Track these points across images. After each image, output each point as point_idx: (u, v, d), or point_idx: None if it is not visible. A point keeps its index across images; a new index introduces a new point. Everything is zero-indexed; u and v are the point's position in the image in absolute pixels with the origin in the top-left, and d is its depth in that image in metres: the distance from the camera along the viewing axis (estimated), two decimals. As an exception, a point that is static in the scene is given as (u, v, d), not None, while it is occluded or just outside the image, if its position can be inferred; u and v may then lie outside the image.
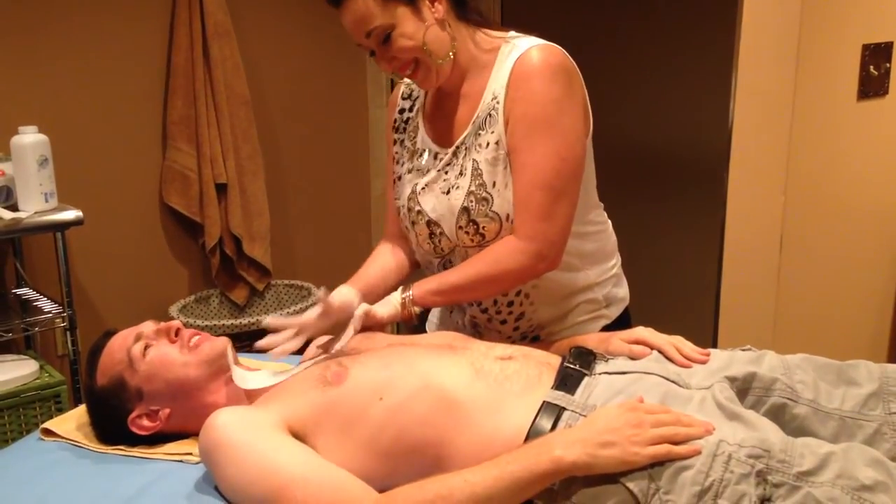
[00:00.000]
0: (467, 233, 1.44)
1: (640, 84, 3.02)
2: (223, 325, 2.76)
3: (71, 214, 2.33)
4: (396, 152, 1.60)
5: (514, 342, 1.56)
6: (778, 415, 1.22)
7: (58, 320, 2.36)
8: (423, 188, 1.50)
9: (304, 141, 3.32)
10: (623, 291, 1.63)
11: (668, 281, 3.18)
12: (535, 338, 1.57)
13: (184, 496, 1.25)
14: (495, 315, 1.54)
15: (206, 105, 2.86)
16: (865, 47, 2.52)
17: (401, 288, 1.46)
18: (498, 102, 1.40)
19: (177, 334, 1.41)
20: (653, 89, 3.18)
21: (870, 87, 2.58)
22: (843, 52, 2.51)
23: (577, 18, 3.25)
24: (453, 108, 1.49)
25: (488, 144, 1.41)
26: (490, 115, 1.41)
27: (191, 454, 1.36)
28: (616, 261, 1.63)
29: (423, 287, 1.44)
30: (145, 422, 1.39)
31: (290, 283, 3.21)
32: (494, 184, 1.41)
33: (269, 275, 3.12)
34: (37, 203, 2.30)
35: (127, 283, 2.87)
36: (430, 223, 1.49)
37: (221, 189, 2.94)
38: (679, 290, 3.01)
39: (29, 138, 2.28)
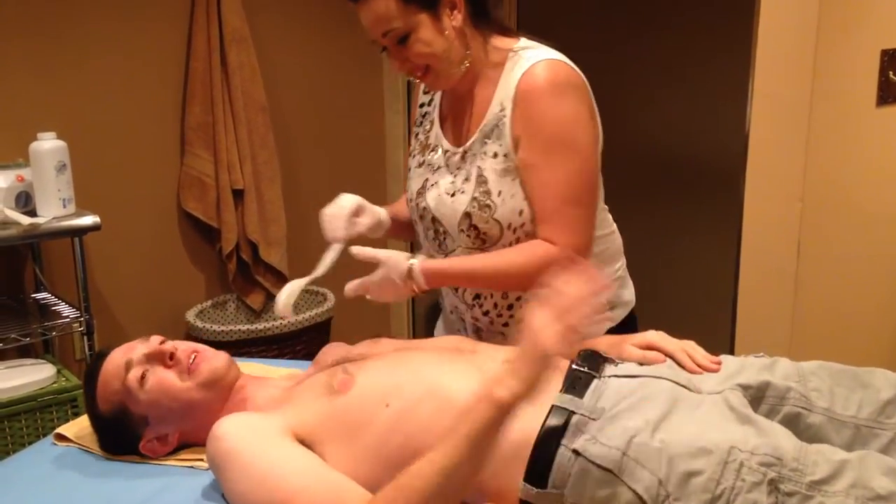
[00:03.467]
0: (468, 236, 1.47)
1: (657, 89, 3.02)
2: (239, 329, 2.76)
3: (89, 220, 2.34)
4: (412, 146, 1.64)
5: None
6: (792, 424, 1.20)
7: (75, 325, 2.38)
8: (431, 185, 1.52)
9: (320, 146, 3.32)
10: (628, 294, 1.63)
11: (684, 286, 3.16)
12: None
13: (193, 502, 1.26)
14: (496, 318, 1.55)
15: (224, 111, 2.87)
16: (884, 53, 2.49)
17: (405, 254, 1.46)
18: (505, 115, 1.42)
19: (171, 358, 1.38)
20: (669, 94, 3.17)
21: (889, 93, 2.54)
22: (862, 57, 2.48)
23: (594, 24, 3.25)
24: (465, 110, 1.51)
25: (496, 155, 1.43)
26: (497, 127, 1.43)
27: (201, 460, 1.37)
28: (621, 264, 1.62)
29: (434, 263, 1.45)
30: (156, 445, 1.39)
31: (306, 288, 3.19)
32: (500, 193, 1.43)
33: (285, 280, 3.09)
34: (55, 208, 2.32)
35: (144, 288, 2.88)
36: (434, 220, 1.52)
37: (238, 195, 2.95)
38: (696, 296, 3.00)
39: (47, 144, 2.30)
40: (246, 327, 2.78)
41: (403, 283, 1.43)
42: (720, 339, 2.59)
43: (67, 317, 2.39)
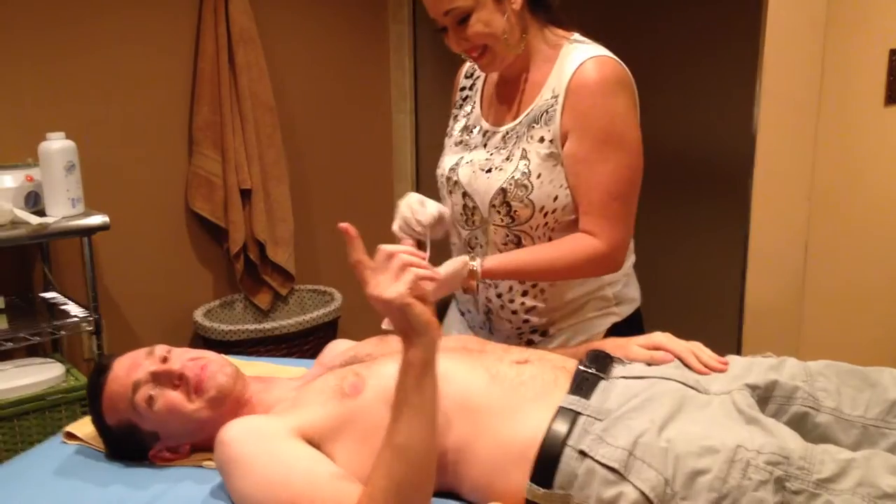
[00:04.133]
0: (499, 212, 1.51)
1: (664, 88, 3.01)
2: (247, 329, 2.77)
3: (97, 220, 2.35)
4: (450, 126, 1.68)
5: (522, 334, 1.59)
6: (799, 424, 1.21)
7: (84, 324, 2.38)
8: (466, 162, 1.56)
9: (328, 146, 3.33)
10: (634, 291, 1.65)
11: (692, 287, 3.15)
12: (543, 332, 1.59)
13: (201, 501, 1.26)
14: (508, 303, 1.58)
15: (232, 111, 2.88)
16: (893, 52, 2.48)
17: (464, 256, 1.49)
18: (557, 103, 1.46)
19: (180, 379, 1.36)
20: (677, 94, 3.16)
21: (897, 92, 2.53)
22: (870, 56, 2.47)
23: (600, 21, 3.24)
24: (512, 94, 1.55)
25: (542, 140, 1.47)
26: (547, 113, 1.47)
27: (209, 459, 1.37)
28: (630, 262, 1.63)
29: (491, 260, 1.49)
30: (167, 454, 1.39)
31: (314, 288, 3.22)
32: (539, 175, 1.47)
33: (292, 280, 3.13)
34: (64, 208, 2.33)
35: (152, 287, 2.88)
36: (465, 195, 1.56)
37: (246, 194, 2.96)
38: (703, 297, 2.99)
39: (56, 144, 2.31)
40: (253, 327, 2.79)
41: (464, 281, 1.47)
42: (727, 339, 2.58)
43: (76, 316, 2.40)
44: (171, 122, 2.87)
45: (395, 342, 1.47)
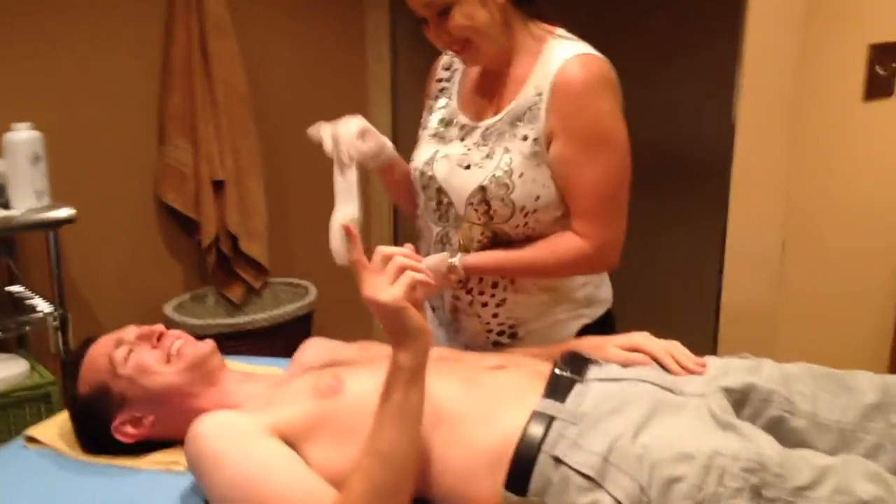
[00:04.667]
0: (476, 210, 1.47)
1: (644, 83, 2.99)
2: (218, 324, 2.74)
3: (64, 212, 2.31)
4: (424, 118, 1.65)
5: (490, 333, 1.57)
6: (776, 428, 1.20)
7: (50, 319, 2.34)
8: (442, 157, 1.53)
9: (303, 138, 3.27)
10: (605, 293, 1.64)
11: (668, 284, 3.16)
12: (512, 335, 1.57)
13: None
14: (478, 296, 1.55)
15: (204, 101, 2.83)
16: (872, 47, 2.48)
17: (446, 253, 1.49)
18: (541, 101, 1.43)
19: (159, 339, 1.39)
20: (656, 88, 3.15)
21: (876, 88, 2.54)
22: (850, 51, 2.47)
23: (579, 14, 3.22)
24: (493, 88, 1.52)
25: (525, 138, 1.44)
26: (530, 110, 1.44)
27: (177, 462, 1.35)
28: None
29: (474, 256, 1.48)
30: (129, 429, 1.37)
31: (288, 281, 3.19)
32: (522, 174, 1.44)
33: (266, 273, 3.10)
34: (29, 201, 2.28)
35: (121, 281, 2.84)
36: (440, 191, 1.52)
37: (218, 186, 2.91)
38: (679, 294, 2.99)
39: (21, 135, 2.26)
40: (225, 321, 2.76)
41: (445, 277, 1.48)
42: (703, 338, 2.58)
43: (42, 311, 2.36)
44: (141, 112, 2.82)
45: (376, 349, 1.48)
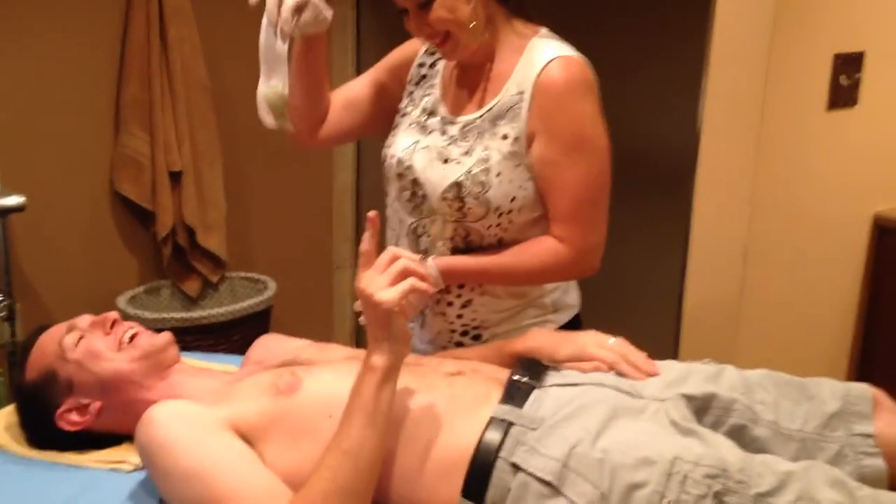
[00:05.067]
0: (450, 206, 1.45)
1: (609, 86, 2.99)
2: (173, 317, 2.69)
3: (13, 200, 2.26)
4: (404, 102, 1.60)
5: (454, 333, 1.55)
6: (737, 436, 1.19)
7: (-3, 309, 2.29)
8: (422, 148, 1.50)
9: (265, 129, 3.22)
10: (572, 298, 1.63)
11: (630, 288, 3.15)
12: (476, 336, 1.55)
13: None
14: (444, 294, 1.53)
15: (162, 88, 2.78)
16: (837, 56, 2.51)
17: (419, 256, 1.45)
18: (522, 101, 1.42)
19: (112, 326, 1.37)
20: (621, 91, 3.13)
21: (839, 97, 2.57)
22: (815, 60, 2.50)
23: (544, 16, 3.21)
24: (475, 82, 1.50)
25: (505, 137, 1.43)
26: (512, 109, 1.43)
27: (124, 462, 1.32)
28: None
29: (447, 260, 1.46)
30: (74, 416, 1.34)
31: (246, 275, 3.14)
32: (499, 174, 1.42)
33: (223, 266, 3.05)
34: (-24, 187, 2.22)
35: (73, 272, 2.79)
36: (415, 182, 1.49)
37: (175, 177, 2.86)
38: (641, 299, 2.99)
39: (-31, 118, 2.20)
40: (180, 315, 2.72)
41: None
42: (665, 342, 2.59)
43: (-13, 301, 2.30)
44: (97, 99, 2.76)
45: (335, 351, 1.46)
